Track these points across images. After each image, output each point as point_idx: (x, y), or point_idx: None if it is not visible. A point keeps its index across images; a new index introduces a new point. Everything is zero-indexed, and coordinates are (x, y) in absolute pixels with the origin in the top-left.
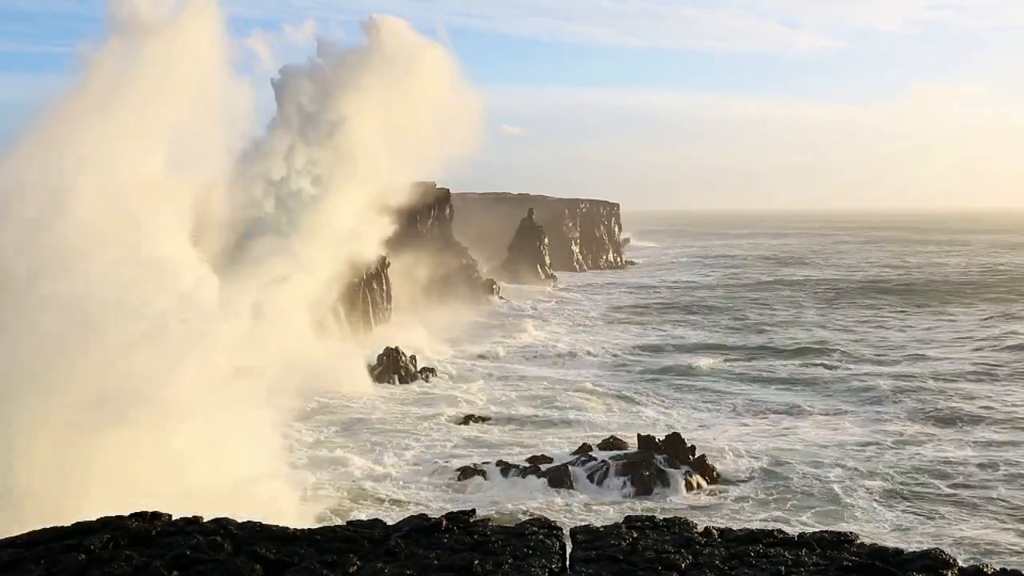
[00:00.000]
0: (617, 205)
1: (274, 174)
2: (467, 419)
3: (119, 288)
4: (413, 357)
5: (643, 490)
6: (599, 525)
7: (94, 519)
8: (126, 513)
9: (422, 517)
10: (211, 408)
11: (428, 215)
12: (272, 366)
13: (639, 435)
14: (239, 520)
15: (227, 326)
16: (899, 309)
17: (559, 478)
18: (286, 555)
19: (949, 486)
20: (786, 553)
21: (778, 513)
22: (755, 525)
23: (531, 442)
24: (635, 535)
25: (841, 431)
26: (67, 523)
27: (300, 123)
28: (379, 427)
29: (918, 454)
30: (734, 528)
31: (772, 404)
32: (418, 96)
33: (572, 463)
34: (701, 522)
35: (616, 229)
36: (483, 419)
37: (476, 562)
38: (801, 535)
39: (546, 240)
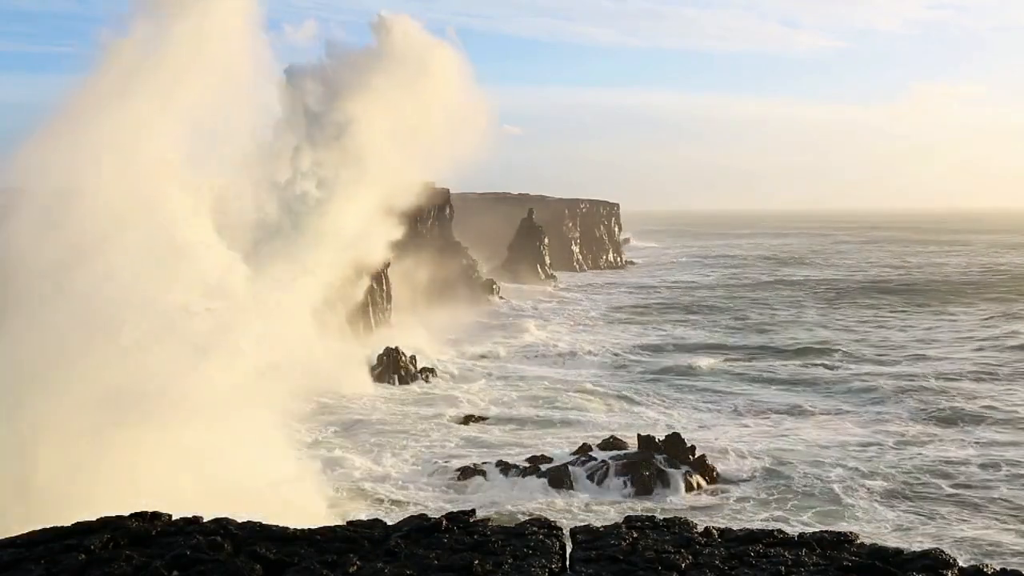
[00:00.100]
0: (617, 205)
1: (278, 176)
2: (467, 419)
3: (136, 279)
4: (413, 357)
5: (643, 490)
6: (599, 525)
7: (94, 519)
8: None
9: (422, 517)
10: (236, 407)
11: (428, 215)
12: (298, 365)
13: (639, 435)
14: (239, 520)
15: (258, 318)
16: (900, 309)
17: (559, 478)
18: (286, 555)
19: (950, 486)
20: (786, 553)
21: (779, 513)
22: (756, 525)
23: (531, 442)
24: (635, 535)
25: (842, 431)
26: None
27: (306, 124)
28: (379, 427)
29: (919, 454)
30: (734, 528)
31: (773, 404)
32: (429, 97)
33: (572, 463)
34: (701, 522)
35: (616, 229)
36: (483, 419)
37: (476, 562)
38: (801, 535)
39: (546, 240)
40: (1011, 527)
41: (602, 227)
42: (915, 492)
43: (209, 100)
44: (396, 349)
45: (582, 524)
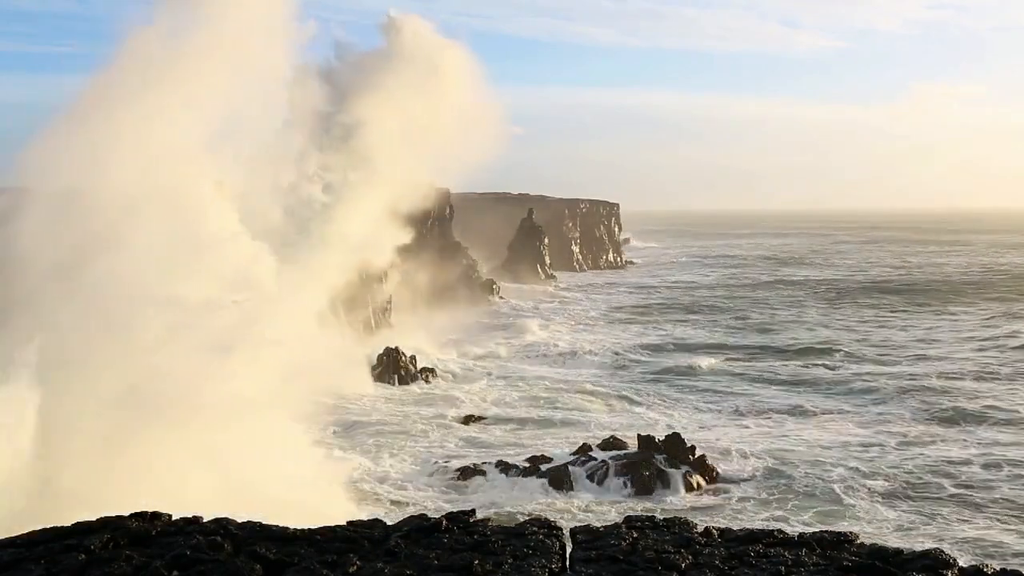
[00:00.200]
0: (617, 205)
1: (282, 180)
2: (467, 419)
3: (154, 272)
4: (413, 357)
5: (643, 490)
6: (599, 525)
7: (94, 519)
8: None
9: (422, 517)
10: (260, 410)
11: (428, 215)
12: (310, 366)
13: (639, 435)
14: (239, 520)
15: (288, 313)
16: (901, 309)
17: (559, 478)
18: (286, 555)
19: (952, 486)
20: (786, 553)
21: (779, 513)
22: (756, 525)
23: (531, 442)
24: (635, 535)
25: (843, 431)
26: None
27: (313, 126)
28: (379, 427)
29: (921, 454)
30: (734, 528)
31: (774, 404)
32: (440, 98)
33: (572, 463)
34: (701, 522)
35: (616, 229)
36: (483, 419)
37: (476, 562)
38: (801, 535)
39: (546, 240)
40: (1013, 527)
41: (602, 227)
42: (916, 492)
43: (233, 92)
44: (396, 349)
45: (582, 524)
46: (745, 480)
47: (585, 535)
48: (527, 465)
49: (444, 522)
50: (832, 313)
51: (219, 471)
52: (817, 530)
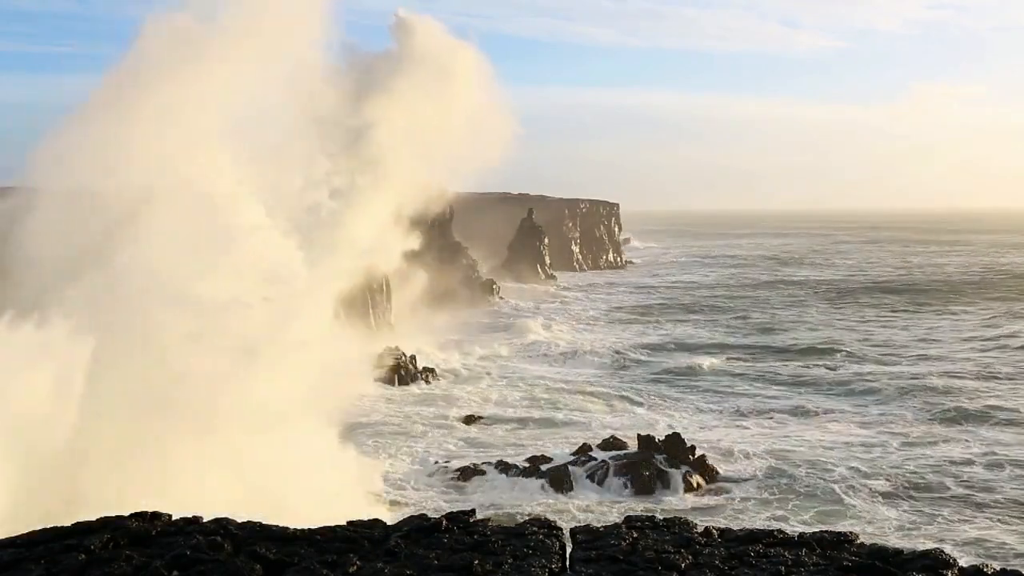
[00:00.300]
0: (617, 205)
1: (286, 185)
2: (467, 419)
3: (177, 269)
4: (413, 357)
5: (643, 490)
6: (599, 525)
7: (94, 519)
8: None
9: (422, 517)
10: (291, 417)
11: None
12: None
13: (639, 435)
14: (239, 520)
15: (319, 313)
16: (902, 309)
17: (559, 478)
18: (286, 555)
19: (954, 486)
20: (786, 553)
21: (780, 513)
22: (757, 525)
23: (531, 442)
24: (635, 535)
25: (845, 431)
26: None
27: (319, 129)
28: (379, 428)
29: (923, 454)
30: (734, 528)
31: (775, 404)
32: (450, 100)
33: (572, 463)
34: (702, 522)
35: (616, 229)
36: (483, 419)
37: (476, 562)
38: (801, 535)
39: (546, 240)
40: (1015, 528)
41: (602, 227)
42: (918, 492)
43: (260, 82)
44: (396, 349)
45: (582, 524)
46: (746, 480)
47: (585, 535)
48: (527, 465)
49: (444, 522)
50: (833, 313)
51: (246, 481)
52: (817, 530)
